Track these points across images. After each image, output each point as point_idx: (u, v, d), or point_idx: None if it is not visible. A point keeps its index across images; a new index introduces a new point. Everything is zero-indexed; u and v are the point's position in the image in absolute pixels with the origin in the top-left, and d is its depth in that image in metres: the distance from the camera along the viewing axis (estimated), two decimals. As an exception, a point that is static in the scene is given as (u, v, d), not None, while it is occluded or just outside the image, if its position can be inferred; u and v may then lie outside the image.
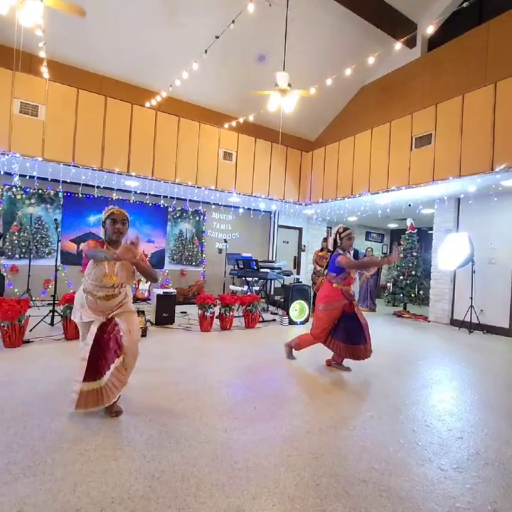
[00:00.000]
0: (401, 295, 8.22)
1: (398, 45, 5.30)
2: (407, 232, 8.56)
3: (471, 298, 6.24)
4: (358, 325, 3.45)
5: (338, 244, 3.53)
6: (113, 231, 2.35)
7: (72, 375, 3.12)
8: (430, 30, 5.02)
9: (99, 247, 2.32)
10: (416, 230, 8.55)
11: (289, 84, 5.38)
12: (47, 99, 5.65)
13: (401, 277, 8.19)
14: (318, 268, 6.93)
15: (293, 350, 3.91)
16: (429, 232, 8.39)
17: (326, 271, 3.65)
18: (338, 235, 3.53)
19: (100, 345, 2.38)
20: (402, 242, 8.48)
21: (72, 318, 2.56)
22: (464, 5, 4.44)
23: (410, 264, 8.18)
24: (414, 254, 8.28)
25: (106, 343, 2.38)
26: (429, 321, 7.18)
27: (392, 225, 12.11)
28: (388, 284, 8.57)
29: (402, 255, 7.93)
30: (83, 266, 2.45)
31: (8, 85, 5.35)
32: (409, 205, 7.74)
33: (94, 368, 2.36)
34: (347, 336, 3.45)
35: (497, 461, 2.06)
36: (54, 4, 4.08)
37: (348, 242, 3.49)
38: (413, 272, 8.13)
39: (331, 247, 3.63)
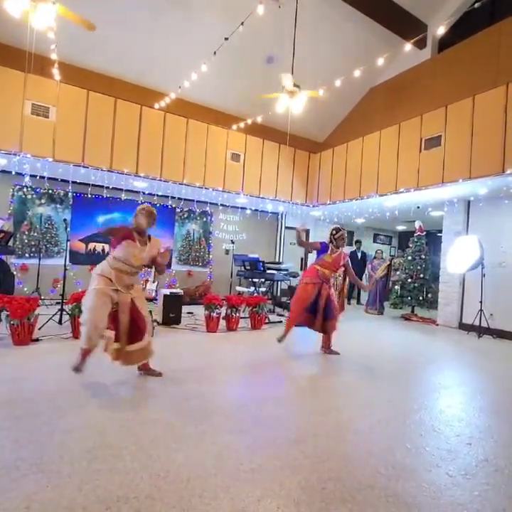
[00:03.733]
0: (409, 298, 8.14)
1: (408, 46, 5.25)
2: (415, 234, 8.48)
3: (481, 302, 6.14)
4: (329, 303, 4.15)
5: (334, 244, 4.15)
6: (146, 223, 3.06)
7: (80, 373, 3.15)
8: (441, 31, 5.00)
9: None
10: (425, 233, 8.46)
11: (298, 85, 5.37)
12: (58, 100, 5.72)
13: (409, 280, 8.11)
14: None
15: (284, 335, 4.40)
16: (438, 234, 8.29)
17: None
18: (332, 236, 4.16)
19: (130, 317, 2.93)
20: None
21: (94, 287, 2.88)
22: (476, 5, 4.37)
23: (419, 267, 8.09)
24: (423, 256, 8.19)
25: (134, 318, 2.95)
26: (437, 325, 7.10)
27: (401, 227, 12.00)
28: (396, 287, 8.49)
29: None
30: (112, 246, 2.98)
31: (20, 87, 5.44)
32: (418, 207, 7.66)
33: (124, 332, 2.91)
34: (318, 312, 4.16)
35: (507, 468, 2.02)
36: (66, 15, 4.17)
37: (341, 241, 4.15)
38: (421, 275, 8.04)
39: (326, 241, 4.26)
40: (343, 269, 6.99)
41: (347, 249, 10.35)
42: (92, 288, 2.83)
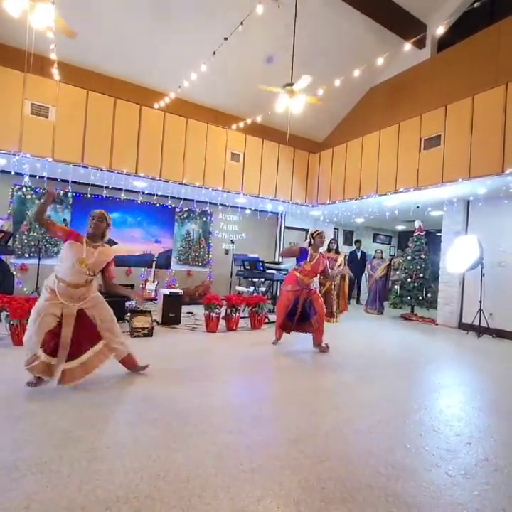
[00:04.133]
0: (408, 298, 8.14)
1: (407, 46, 5.25)
2: (415, 234, 8.48)
3: (480, 301, 6.15)
4: (309, 305, 4.41)
5: (312, 243, 4.40)
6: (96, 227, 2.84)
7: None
8: (440, 30, 5.00)
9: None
10: (424, 232, 8.47)
11: (293, 84, 5.35)
12: (57, 100, 5.72)
13: (409, 280, 8.11)
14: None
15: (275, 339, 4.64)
16: (438, 234, 8.30)
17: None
18: (311, 236, 4.45)
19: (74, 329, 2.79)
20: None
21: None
22: (475, 5, 4.37)
23: (418, 267, 8.09)
24: (423, 256, 8.19)
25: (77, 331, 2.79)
26: (437, 324, 7.10)
27: (400, 227, 12.00)
28: (395, 287, 8.49)
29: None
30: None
31: (19, 87, 5.43)
32: (418, 207, 7.67)
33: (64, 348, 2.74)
34: (299, 316, 4.43)
35: (506, 468, 2.03)
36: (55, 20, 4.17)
37: (319, 239, 4.39)
38: (421, 275, 8.04)
39: (306, 245, 4.47)
40: (340, 268, 6.95)
41: (347, 249, 10.42)
42: (36, 303, 2.79)
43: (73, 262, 2.72)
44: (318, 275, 7.18)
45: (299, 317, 4.44)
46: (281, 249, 9.82)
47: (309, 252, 4.37)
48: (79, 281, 2.76)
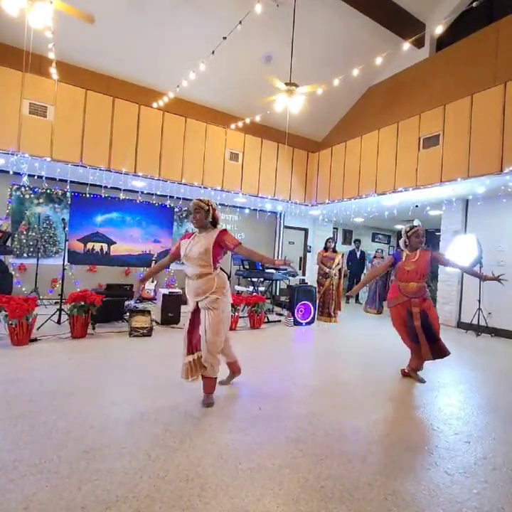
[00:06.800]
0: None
1: (406, 46, 5.25)
2: (414, 233, 8.47)
3: (479, 300, 6.16)
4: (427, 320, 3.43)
5: (408, 243, 3.62)
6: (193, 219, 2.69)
7: (78, 373, 3.15)
8: (439, 30, 4.98)
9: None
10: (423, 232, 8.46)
11: (296, 84, 5.37)
12: (55, 100, 5.70)
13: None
14: (327, 270, 6.67)
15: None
16: (437, 233, 8.31)
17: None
18: (405, 235, 3.62)
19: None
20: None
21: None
22: (474, 5, 4.37)
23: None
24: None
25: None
26: (435, 324, 7.11)
27: (399, 226, 12.00)
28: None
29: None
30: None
31: (17, 86, 5.42)
32: (417, 207, 7.67)
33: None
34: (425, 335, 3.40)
35: (505, 466, 2.03)
36: (63, 8, 4.13)
37: (416, 239, 3.59)
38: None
39: (401, 246, 3.71)
40: (338, 267, 6.89)
41: (346, 249, 10.42)
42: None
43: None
44: (317, 275, 7.23)
45: (425, 335, 3.34)
46: (280, 249, 9.81)
47: (404, 254, 3.57)
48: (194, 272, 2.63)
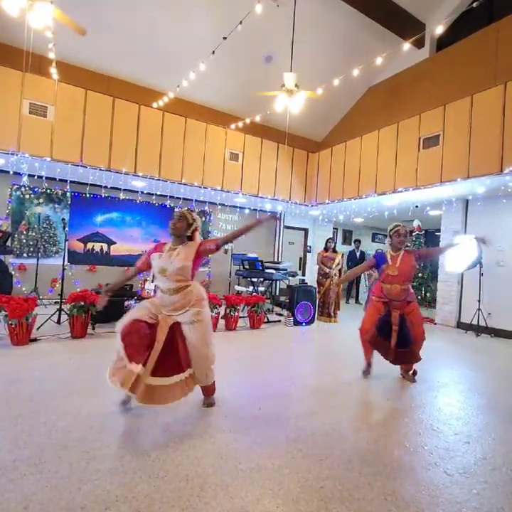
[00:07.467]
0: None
1: (406, 46, 5.25)
2: (414, 233, 8.50)
3: (479, 301, 6.16)
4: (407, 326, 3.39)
5: (391, 242, 3.55)
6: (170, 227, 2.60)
7: (78, 373, 3.15)
8: (439, 30, 4.98)
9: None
10: (423, 232, 8.48)
11: (296, 85, 5.37)
12: (55, 99, 5.70)
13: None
14: (327, 270, 6.67)
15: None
16: (437, 233, 8.31)
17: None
18: (388, 234, 3.57)
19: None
20: None
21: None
22: (474, 5, 4.38)
23: (417, 266, 8.10)
24: (421, 256, 8.20)
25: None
26: (435, 324, 7.11)
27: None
28: None
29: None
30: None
31: (17, 86, 5.42)
32: (417, 207, 7.68)
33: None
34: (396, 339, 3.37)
35: (505, 466, 2.03)
36: (60, 18, 4.17)
37: (397, 238, 3.46)
38: (420, 274, 8.06)
39: (386, 246, 3.66)
40: (339, 267, 6.90)
41: (346, 249, 10.41)
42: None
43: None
44: (317, 275, 7.23)
45: (397, 341, 3.30)
46: (280, 249, 9.80)
47: (388, 255, 3.47)
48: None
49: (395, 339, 3.29)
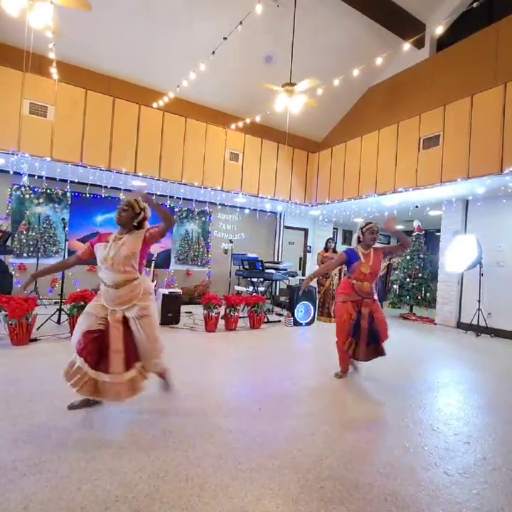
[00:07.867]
0: (407, 297, 8.16)
1: (406, 46, 5.26)
2: (414, 233, 8.50)
3: (479, 301, 6.16)
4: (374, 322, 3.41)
5: (361, 239, 3.50)
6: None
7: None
8: (439, 30, 4.99)
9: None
10: (423, 232, 8.48)
11: (295, 84, 5.37)
12: (56, 99, 5.70)
13: (407, 279, 8.13)
14: None
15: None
16: (437, 233, 8.32)
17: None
18: (360, 231, 3.52)
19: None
20: None
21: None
22: (474, 5, 4.38)
23: (417, 267, 8.11)
24: (421, 256, 8.21)
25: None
26: (435, 324, 7.11)
27: (399, 227, 12.01)
28: (394, 286, 8.50)
29: None
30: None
31: (18, 86, 5.42)
32: (417, 207, 7.68)
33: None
34: (367, 337, 3.36)
35: (505, 466, 2.03)
36: (62, 2, 4.08)
37: (370, 236, 3.44)
38: (420, 274, 8.06)
39: (354, 243, 3.60)
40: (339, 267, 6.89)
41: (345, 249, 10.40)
42: None
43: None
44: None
45: (368, 339, 3.28)
46: (280, 249, 9.80)
47: (359, 252, 3.41)
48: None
49: (366, 338, 3.28)
